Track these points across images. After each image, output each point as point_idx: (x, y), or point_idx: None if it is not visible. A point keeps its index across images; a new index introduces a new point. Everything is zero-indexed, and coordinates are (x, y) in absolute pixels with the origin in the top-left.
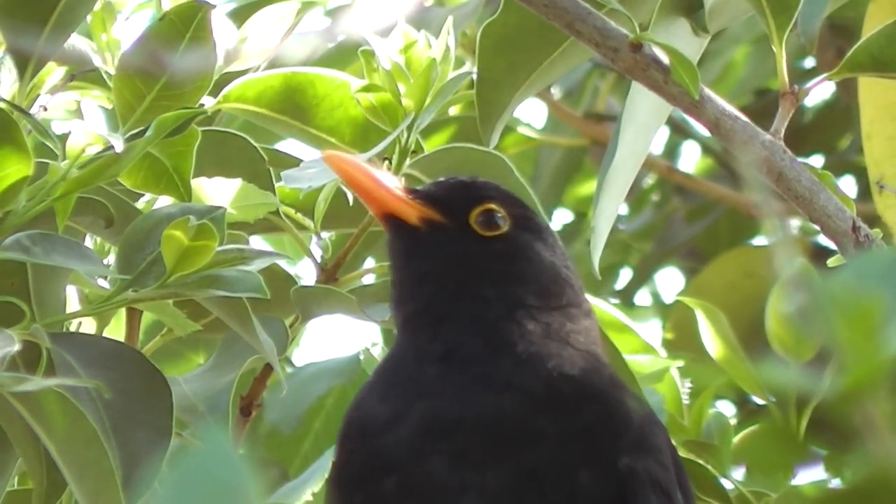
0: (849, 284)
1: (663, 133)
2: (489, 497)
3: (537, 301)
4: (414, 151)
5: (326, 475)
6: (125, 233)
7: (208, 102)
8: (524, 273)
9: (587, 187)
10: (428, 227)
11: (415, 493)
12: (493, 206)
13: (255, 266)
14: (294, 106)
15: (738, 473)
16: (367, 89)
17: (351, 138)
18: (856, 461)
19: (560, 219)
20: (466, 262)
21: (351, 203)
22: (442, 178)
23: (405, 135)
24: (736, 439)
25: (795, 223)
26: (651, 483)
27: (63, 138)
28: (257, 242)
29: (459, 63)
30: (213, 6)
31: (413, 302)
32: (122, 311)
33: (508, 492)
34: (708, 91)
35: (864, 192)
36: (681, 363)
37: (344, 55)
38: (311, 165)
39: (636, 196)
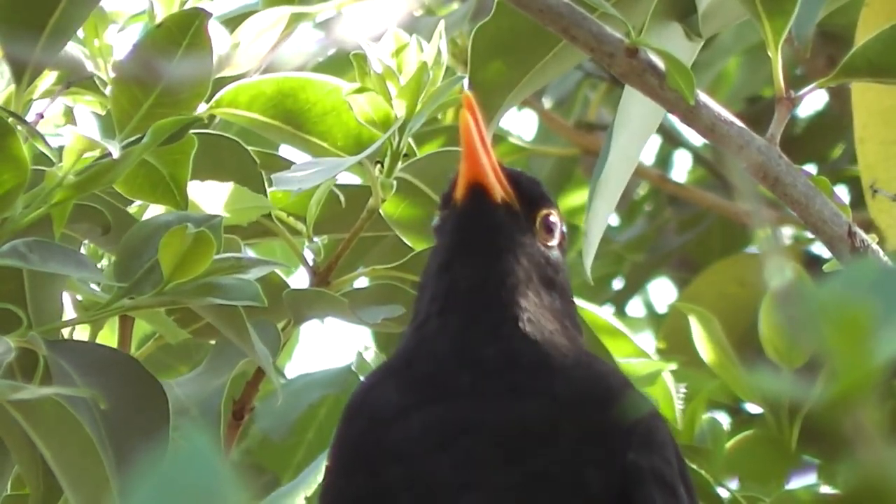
0: (839, 292)
1: (655, 142)
2: (493, 496)
3: (572, 316)
4: (406, 155)
5: (320, 479)
6: (122, 240)
7: (201, 108)
8: (566, 289)
9: (578, 197)
10: (505, 211)
11: (417, 487)
12: (554, 212)
13: (253, 274)
14: (286, 111)
15: (732, 478)
16: (358, 91)
17: (343, 142)
18: (847, 469)
19: None
20: (532, 260)
21: (343, 206)
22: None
23: (397, 138)
24: (728, 445)
25: (788, 232)
26: (655, 479)
27: (59, 146)
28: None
29: (450, 73)
30: (210, 14)
31: (473, 277)
32: (115, 319)
33: (513, 490)
34: (704, 96)
35: (857, 202)
36: (674, 366)
37: (337, 65)
38: (301, 168)
39: (628, 206)
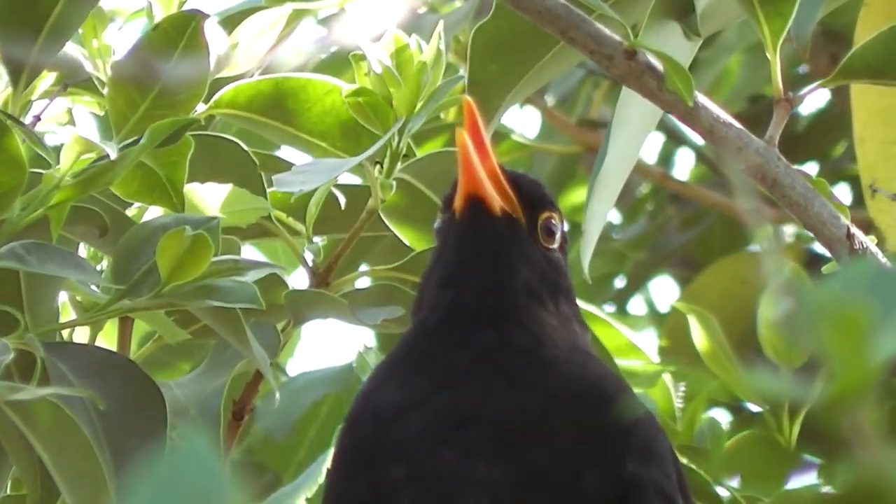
0: (837, 293)
1: (657, 140)
2: (494, 493)
3: (577, 316)
4: (405, 156)
5: (321, 479)
6: (120, 242)
7: (199, 108)
8: (569, 290)
9: (580, 195)
10: (505, 221)
11: (422, 483)
12: (555, 215)
13: (250, 277)
14: (285, 111)
15: (732, 478)
16: (357, 93)
17: (342, 143)
18: (845, 469)
19: None
20: (534, 266)
21: (343, 207)
22: (518, 171)
23: (396, 139)
24: (728, 444)
25: (788, 230)
26: (655, 491)
27: (57, 148)
28: (248, 248)
29: (453, 69)
30: (207, 16)
31: (475, 290)
32: (115, 321)
33: (513, 489)
34: (702, 98)
35: (859, 200)
36: (673, 368)
37: (337, 64)
38: (302, 169)
39: (630, 205)
